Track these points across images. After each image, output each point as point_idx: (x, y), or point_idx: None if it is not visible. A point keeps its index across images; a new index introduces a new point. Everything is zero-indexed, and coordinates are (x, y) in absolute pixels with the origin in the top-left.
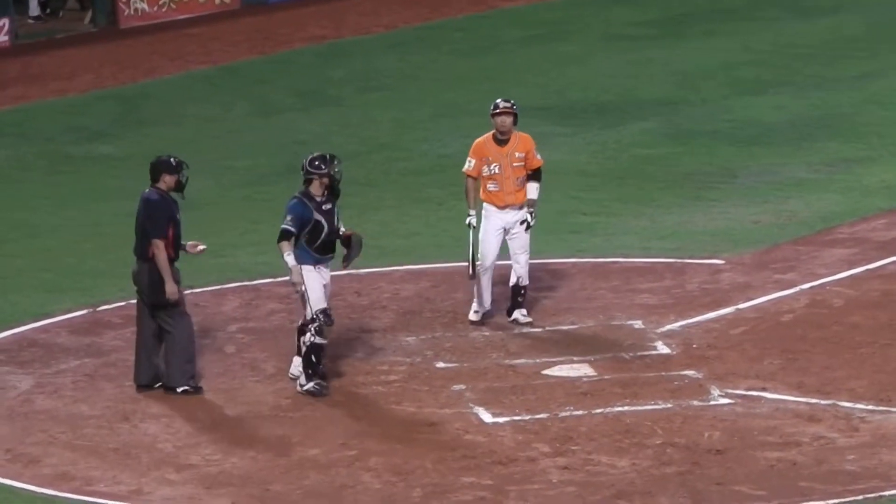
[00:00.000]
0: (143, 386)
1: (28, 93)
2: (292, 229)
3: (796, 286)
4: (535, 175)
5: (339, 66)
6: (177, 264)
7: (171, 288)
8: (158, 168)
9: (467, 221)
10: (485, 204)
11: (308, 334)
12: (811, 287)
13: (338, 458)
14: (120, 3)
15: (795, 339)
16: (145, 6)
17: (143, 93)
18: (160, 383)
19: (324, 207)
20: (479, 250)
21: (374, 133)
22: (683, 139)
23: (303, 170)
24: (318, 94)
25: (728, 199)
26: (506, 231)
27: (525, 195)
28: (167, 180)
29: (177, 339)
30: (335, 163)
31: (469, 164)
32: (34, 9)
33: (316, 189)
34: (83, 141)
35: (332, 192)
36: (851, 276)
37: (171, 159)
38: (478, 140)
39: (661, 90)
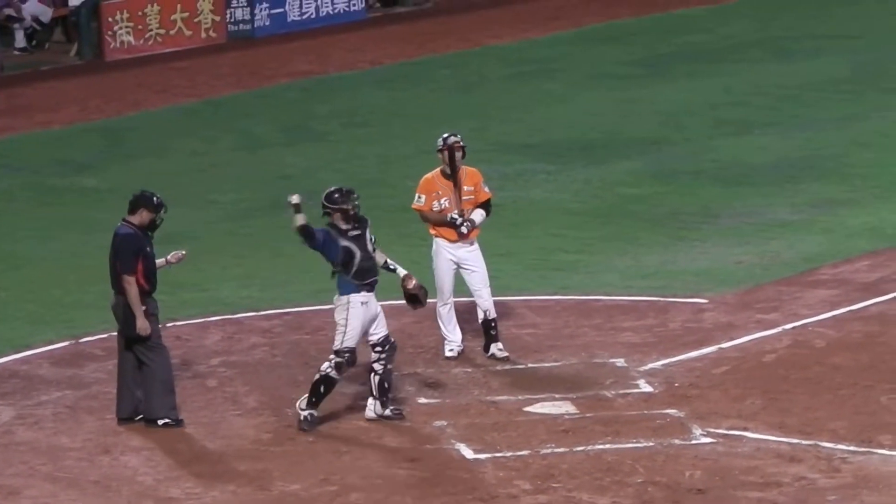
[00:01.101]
0: (125, 419)
1: (13, 125)
2: (311, 227)
3: (779, 326)
4: (483, 206)
5: (325, 102)
6: (156, 296)
7: (141, 323)
8: (139, 202)
9: (455, 221)
10: (435, 239)
11: (326, 364)
12: (793, 327)
13: (319, 493)
14: (106, 36)
15: (777, 380)
16: (131, 39)
17: (128, 126)
18: (141, 416)
19: (350, 234)
20: (435, 285)
21: (359, 169)
22: (667, 179)
23: (322, 205)
24: (304, 129)
25: (711, 239)
26: (460, 267)
27: (476, 233)
28: (143, 216)
29: (155, 371)
30: (352, 196)
31: (419, 200)
32: (20, 41)
33: (338, 221)
34: (68, 173)
35: (357, 220)
36: (834, 317)
37: (154, 197)
38: (426, 176)
39: (645, 129)
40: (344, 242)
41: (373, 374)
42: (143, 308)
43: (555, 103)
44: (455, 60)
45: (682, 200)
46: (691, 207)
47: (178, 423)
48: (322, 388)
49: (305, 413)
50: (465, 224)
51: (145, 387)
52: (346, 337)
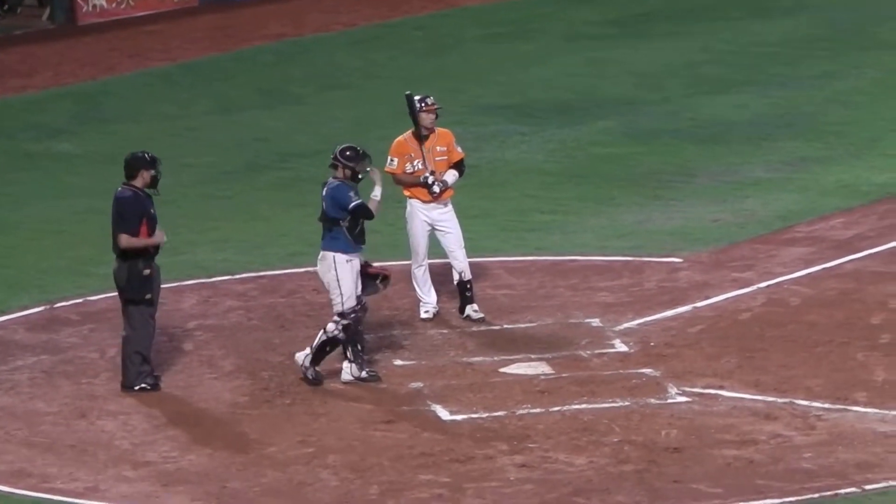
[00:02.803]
0: (129, 387)
1: None
2: (357, 202)
3: (754, 285)
4: (456, 166)
5: (300, 64)
6: (167, 258)
7: (158, 237)
8: (136, 164)
9: (428, 180)
10: (409, 200)
11: (332, 325)
12: (768, 286)
13: (295, 455)
14: (78, 0)
15: (752, 338)
16: (103, 3)
17: (102, 90)
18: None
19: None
20: (410, 246)
21: (334, 131)
22: (643, 138)
23: (334, 157)
24: (279, 91)
25: (687, 198)
26: (434, 228)
27: (449, 193)
28: (145, 176)
29: (134, 341)
30: (367, 159)
31: (392, 163)
32: None
33: (340, 174)
34: (42, 138)
35: (355, 180)
36: (809, 274)
37: (146, 154)
38: (398, 139)
39: (621, 89)
40: (359, 199)
41: (322, 332)
42: (147, 272)
43: (530, 64)
44: (429, 22)
45: (658, 160)
46: (667, 167)
47: (155, 387)
48: (328, 348)
49: (310, 372)
50: (437, 184)
51: (123, 354)
52: (346, 297)
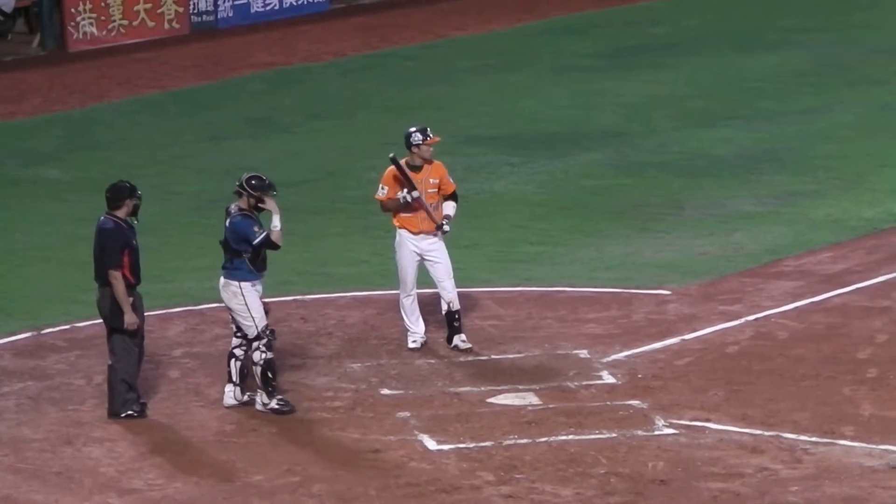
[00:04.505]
0: (115, 415)
1: None
2: (261, 236)
3: (741, 318)
4: (451, 197)
5: (288, 94)
6: (139, 289)
7: (129, 318)
8: (120, 194)
9: (405, 197)
10: (398, 230)
11: (258, 352)
12: (756, 319)
13: (281, 484)
14: (69, 27)
15: (740, 371)
16: (94, 30)
17: (91, 117)
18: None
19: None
20: (398, 277)
21: (322, 161)
22: (631, 170)
23: (239, 185)
24: (267, 120)
25: (675, 231)
26: (423, 259)
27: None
28: (128, 205)
29: (119, 371)
30: (272, 189)
31: (382, 191)
32: None
33: (244, 204)
34: (30, 164)
35: (258, 210)
36: (796, 308)
37: (127, 184)
38: (390, 167)
39: (609, 122)
40: (261, 230)
41: (253, 366)
42: (131, 300)
43: (519, 96)
44: (419, 52)
45: (646, 192)
46: (655, 199)
47: (142, 413)
48: (270, 374)
49: (274, 404)
50: (446, 222)
51: (109, 382)
52: (257, 319)
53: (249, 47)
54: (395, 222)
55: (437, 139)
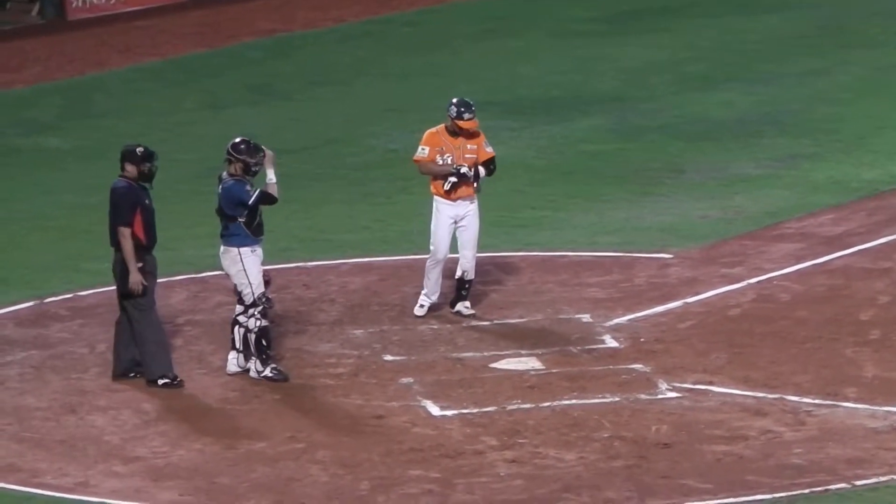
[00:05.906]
0: (119, 376)
1: None
2: (255, 194)
3: (743, 281)
4: (486, 164)
5: (289, 61)
6: (154, 253)
7: (134, 278)
8: (123, 157)
9: (461, 171)
10: (435, 197)
11: (252, 319)
12: (758, 282)
13: (285, 450)
14: None
15: (742, 334)
16: None
17: (91, 85)
18: (133, 374)
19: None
20: (431, 242)
21: (322, 128)
22: (631, 135)
23: (227, 151)
24: (268, 88)
25: (676, 195)
26: (456, 223)
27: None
28: (129, 169)
29: (145, 334)
30: (259, 153)
31: (423, 152)
32: None
33: (239, 171)
34: (30, 133)
35: (248, 174)
36: (798, 270)
37: (137, 149)
38: (430, 130)
39: (609, 86)
40: (256, 190)
41: (247, 332)
42: (140, 265)
43: (518, 61)
44: (419, 18)
45: (646, 156)
46: (656, 163)
47: (178, 382)
48: (264, 342)
49: (268, 372)
50: (468, 170)
51: (140, 349)
52: (254, 286)
53: (249, 14)
54: (432, 189)
55: (473, 123)
